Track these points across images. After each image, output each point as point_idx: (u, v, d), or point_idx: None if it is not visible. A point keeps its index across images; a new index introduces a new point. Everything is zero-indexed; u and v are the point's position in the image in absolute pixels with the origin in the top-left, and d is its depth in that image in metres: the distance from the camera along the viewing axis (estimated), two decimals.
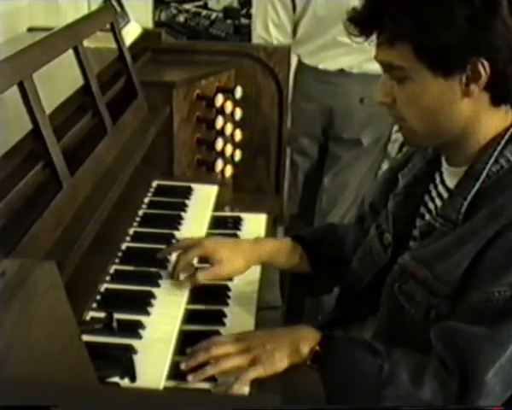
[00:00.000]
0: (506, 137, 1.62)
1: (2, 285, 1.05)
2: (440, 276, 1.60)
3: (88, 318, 1.70)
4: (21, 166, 1.66)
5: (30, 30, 2.72)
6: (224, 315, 1.86)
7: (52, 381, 1.06)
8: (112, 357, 1.54)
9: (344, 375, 1.57)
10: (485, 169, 1.61)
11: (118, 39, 2.38)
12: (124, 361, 1.52)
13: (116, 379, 1.50)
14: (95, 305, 1.76)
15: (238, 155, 2.92)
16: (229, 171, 2.86)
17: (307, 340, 1.61)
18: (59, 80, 2.13)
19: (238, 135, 2.88)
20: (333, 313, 2.00)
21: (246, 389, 1.57)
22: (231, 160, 2.88)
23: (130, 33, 2.80)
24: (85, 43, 2.07)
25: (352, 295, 1.92)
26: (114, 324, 1.61)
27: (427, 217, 1.73)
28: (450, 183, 1.70)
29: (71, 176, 1.76)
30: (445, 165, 1.73)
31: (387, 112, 1.70)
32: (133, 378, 1.50)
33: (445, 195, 1.70)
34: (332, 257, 2.03)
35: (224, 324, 1.83)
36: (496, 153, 1.61)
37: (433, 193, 1.75)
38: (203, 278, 1.89)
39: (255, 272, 2.05)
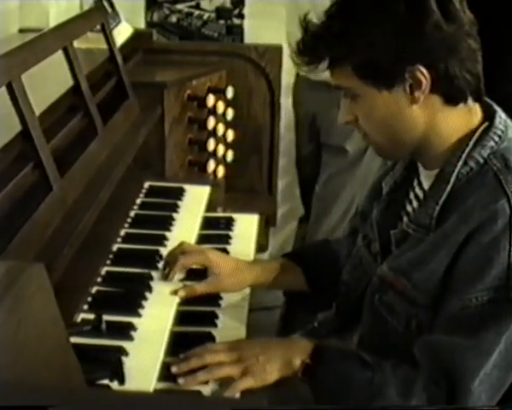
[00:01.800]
0: (474, 138, 1.61)
1: None
2: (418, 285, 1.59)
3: (79, 320, 1.69)
4: (11, 167, 1.65)
5: (21, 31, 2.72)
6: (216, 316, 1.86)
7: (40, 383, 1.06)
8: (100, 359, 1.53)
9: (333, 387, 1.58)
10: (455, 172, 1.59)
11: (109, 40, 2.37)
12: (112, 363, 1.52)
13: (105, 382, 1.49)
14: (86, 307, 1.75)
15: (230, 155, 2.91)
16: (221, 171, 2.85)
17: (299, 353, 1.61)
18: (49, 81, 2.12)
19: (230, 135, 2.87)
20: (331, 324, 1.98)
21: None
22: (223, 160, 2.88)
23: (122, 34, 2.79)
24: (76, 43, 2.06)
25: (348, 306, 1.89)
26: (103, 326, 1.60)
27: (402, 223, 1.72)
28: (426, 185, 1.69)
29: (61, 177, 1.75)
30: (420, 168, 1.72)
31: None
32: (122, 381, 1.49)
33: (422, 196, 1.69)
34: (328, 272, 2.00)
35: (215, 325, 1.83)
36: (464, 155, 1.59)
37: (411, 195, 1.74)
38: (200, 289, 1.88)
39: None
